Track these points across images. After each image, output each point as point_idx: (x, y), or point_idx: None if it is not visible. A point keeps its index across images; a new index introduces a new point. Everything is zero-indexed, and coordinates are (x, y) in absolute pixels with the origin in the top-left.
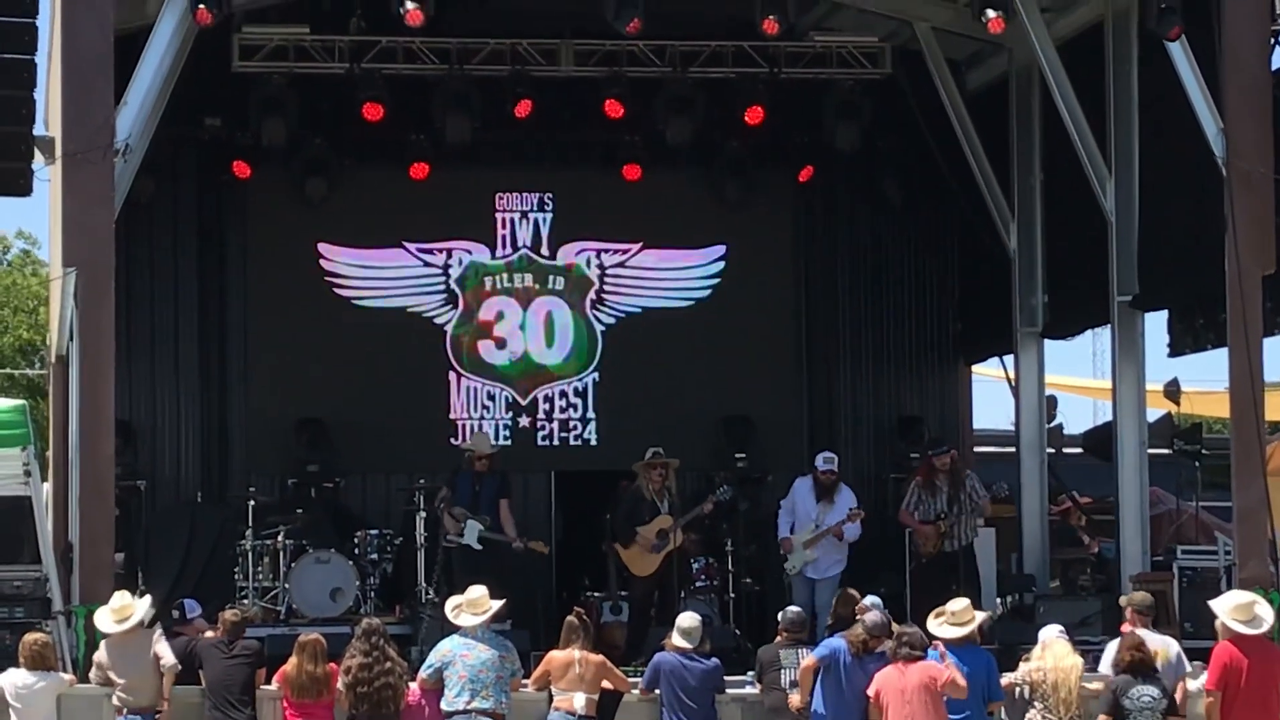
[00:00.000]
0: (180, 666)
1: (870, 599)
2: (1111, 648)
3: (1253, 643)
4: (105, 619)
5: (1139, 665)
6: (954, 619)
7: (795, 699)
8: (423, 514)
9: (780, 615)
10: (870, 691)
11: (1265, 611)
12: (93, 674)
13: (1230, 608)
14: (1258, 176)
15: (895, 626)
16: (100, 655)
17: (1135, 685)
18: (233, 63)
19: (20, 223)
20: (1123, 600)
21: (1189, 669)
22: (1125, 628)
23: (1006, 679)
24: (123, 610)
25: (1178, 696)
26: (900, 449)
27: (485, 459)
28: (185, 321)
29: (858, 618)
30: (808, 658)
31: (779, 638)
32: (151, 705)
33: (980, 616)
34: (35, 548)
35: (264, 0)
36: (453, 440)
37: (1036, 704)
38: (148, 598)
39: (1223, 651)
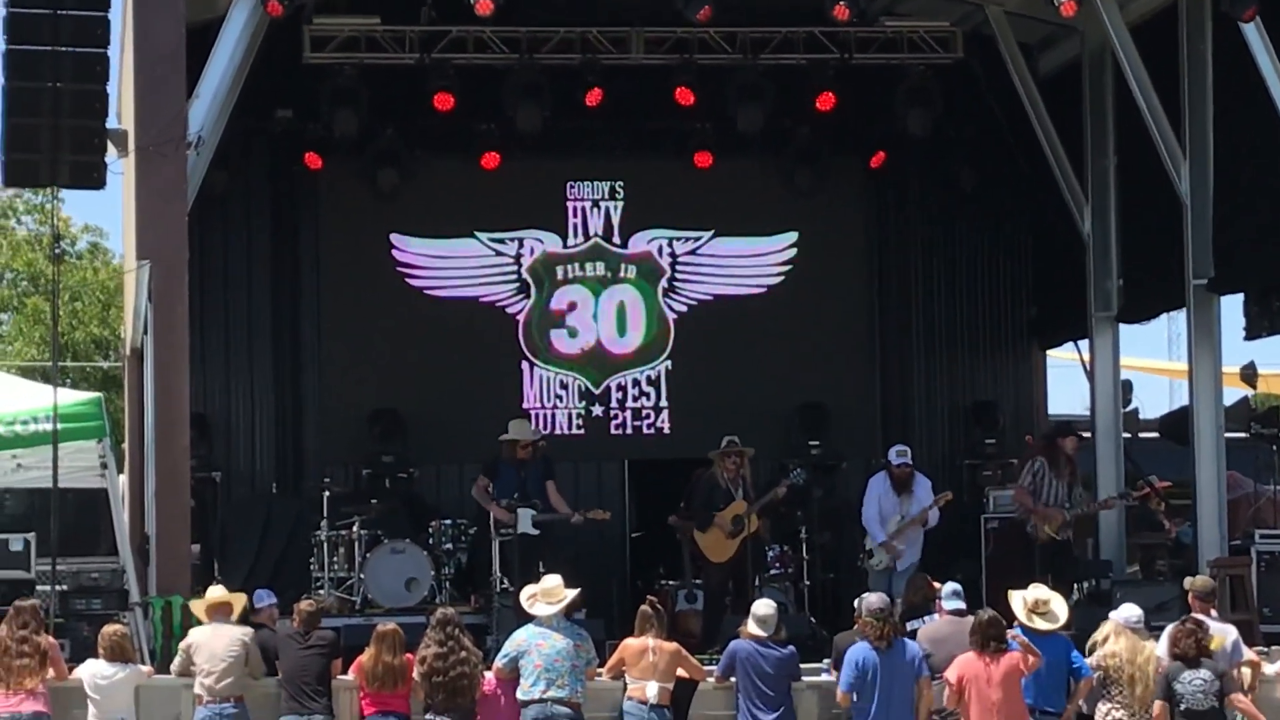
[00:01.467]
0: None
1: (950, 586)
2: (1166, 633)
3: None
4: (202, 610)
5: (1191, 650)
6: (1041, 609)
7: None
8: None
9: (857, 602)
10: (951, 677)
11: None
12: (177, 660)
13: None
14: None
15: (979, 614)
16: (190, 640)
17: (1186, 670)
18: (304, 54)
19: (86, 217)
20: (1186, 584)
21: (1246, 656)
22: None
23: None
24: (222, 600)
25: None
26: (975, 435)
27: (529, 446)
28: (259, 314)
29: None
30: (839, 694)
31: (856, 625)
32: (234, 694)
33: (1063, 614)
34: (112, 540)
35: None
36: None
37: (1112, 691)
38: (243, 595)
39: None
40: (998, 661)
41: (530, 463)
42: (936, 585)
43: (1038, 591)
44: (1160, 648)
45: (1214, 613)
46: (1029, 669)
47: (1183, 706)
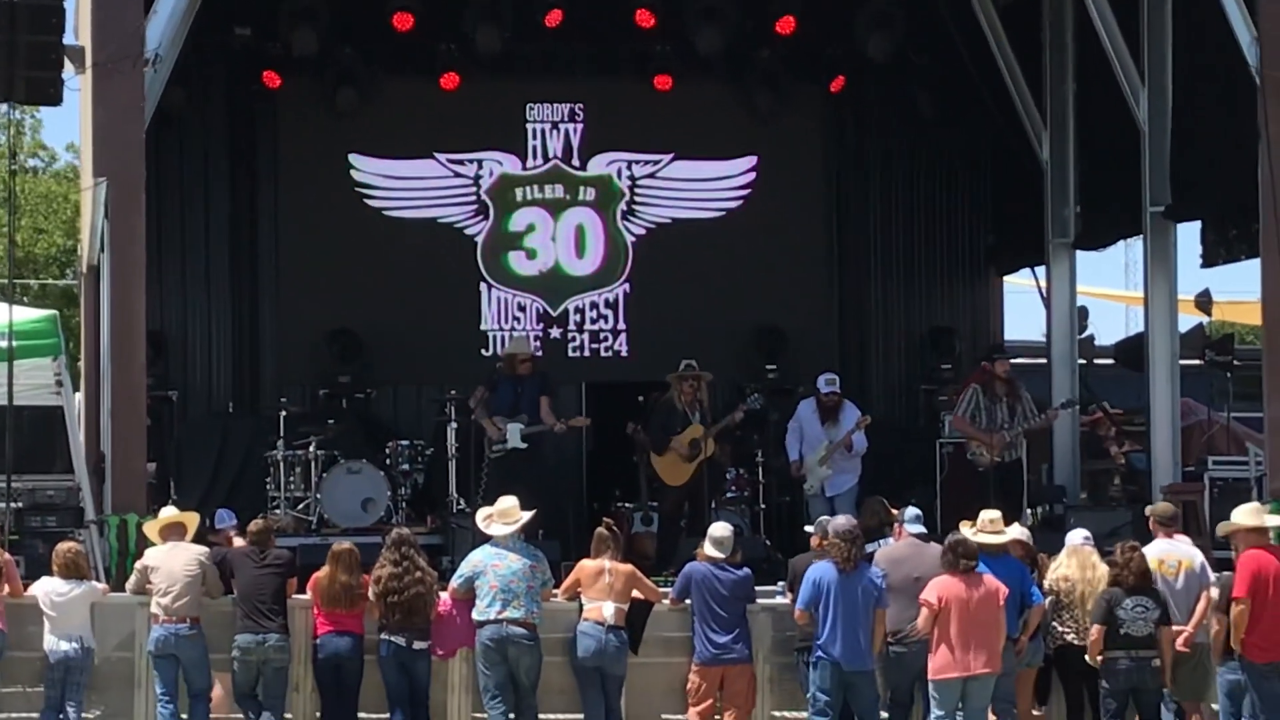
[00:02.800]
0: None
1: (911, 510)
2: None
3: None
4: (156, 530)
5: (1130, 577)
6: (990, 527)
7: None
8: (454, 425)
9: (816, 525)
10: (933, 598)
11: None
12: (132, 579)
13: (1242, 513)
14: None
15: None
16: (146, 561)
17: (1127, 596)
18: None
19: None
20: (1147, 510)
21: (1213, 579)
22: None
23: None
24: (176, 520)
25: (1200, 606)
26: (931, 360)
27: (528, 361)
28: (216, 232)
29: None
30: (796, 611)
31: (812, 547)
32: (191, 614)
33: (1016, 531)
34: (67, 458)
35: None
36: (484, 351)
37: (1064, 616)
38: (195, 514)
39: (1250, 560)
40: (978, 586)
41: (529, 378)
42: (895, 510)
43: (987, 514)
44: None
45: (1177, 537)
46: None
47: (1122, 631)
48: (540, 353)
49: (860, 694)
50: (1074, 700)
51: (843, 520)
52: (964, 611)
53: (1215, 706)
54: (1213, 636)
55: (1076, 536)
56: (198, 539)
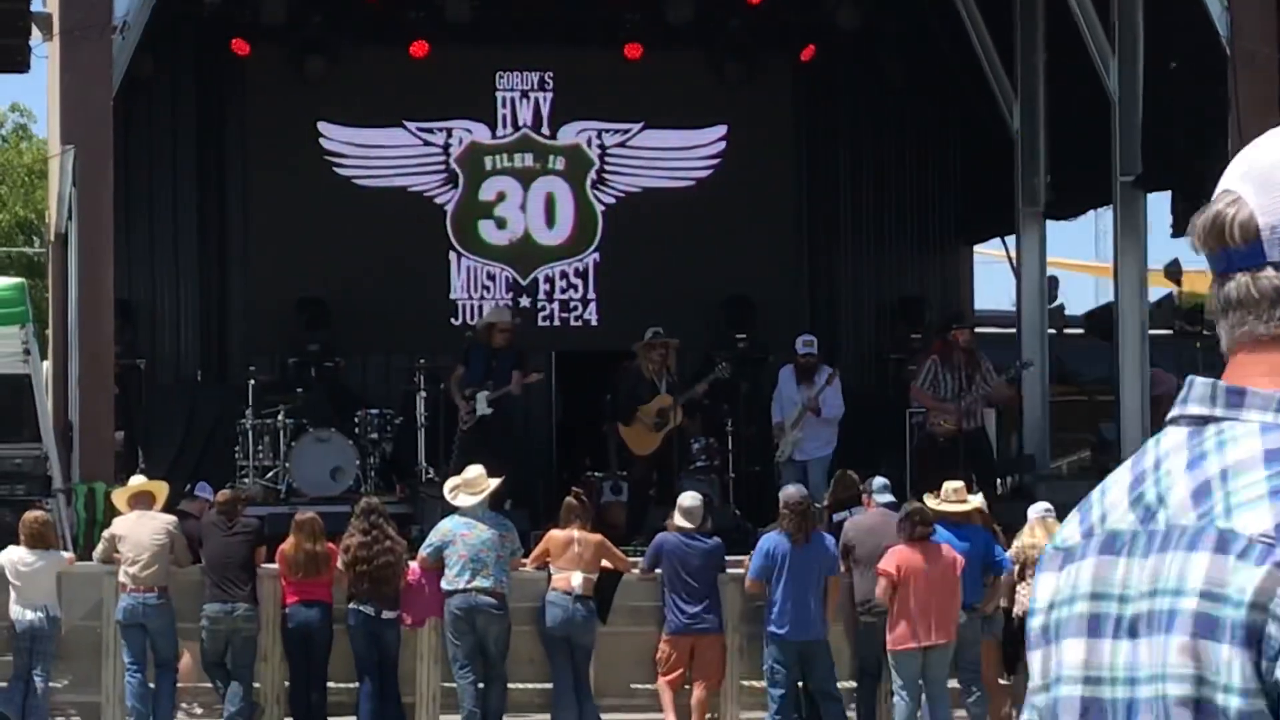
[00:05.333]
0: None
1: (879, 480)
2: None
3: None
4: (124, 499)
5: None
6: (954, 496)
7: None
8: (423, 394)
9: (781, 494)
10: (891, 568)
11: None
12: (100, 548)
13: None
14: (1261, 57)
15: (905, 506)
16: (114, 530)
17: None
18: None
19: (15, 96)
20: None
21: None
22: None
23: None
24: (144, 489)
25: None
26: (901, 329)
27: (507, 332)
28: (185, 200)
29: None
30: (748, 581)
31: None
32: (159, 584)
33: (976, 501)
34: (35, 426)
35: None
36: (453, 320)
37: (1029, 576)
38: (165, 484)
39: None
40: (935, 556)
41: (504, 351)
42: (856, 476)
43: (950, 484)
44: None
45: None
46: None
47: None
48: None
49: (813, 664)
50: None
51: (792, 490)
52: (921, 581)
53: None
54: None
55: (1039, 509)
56: (171, 508)
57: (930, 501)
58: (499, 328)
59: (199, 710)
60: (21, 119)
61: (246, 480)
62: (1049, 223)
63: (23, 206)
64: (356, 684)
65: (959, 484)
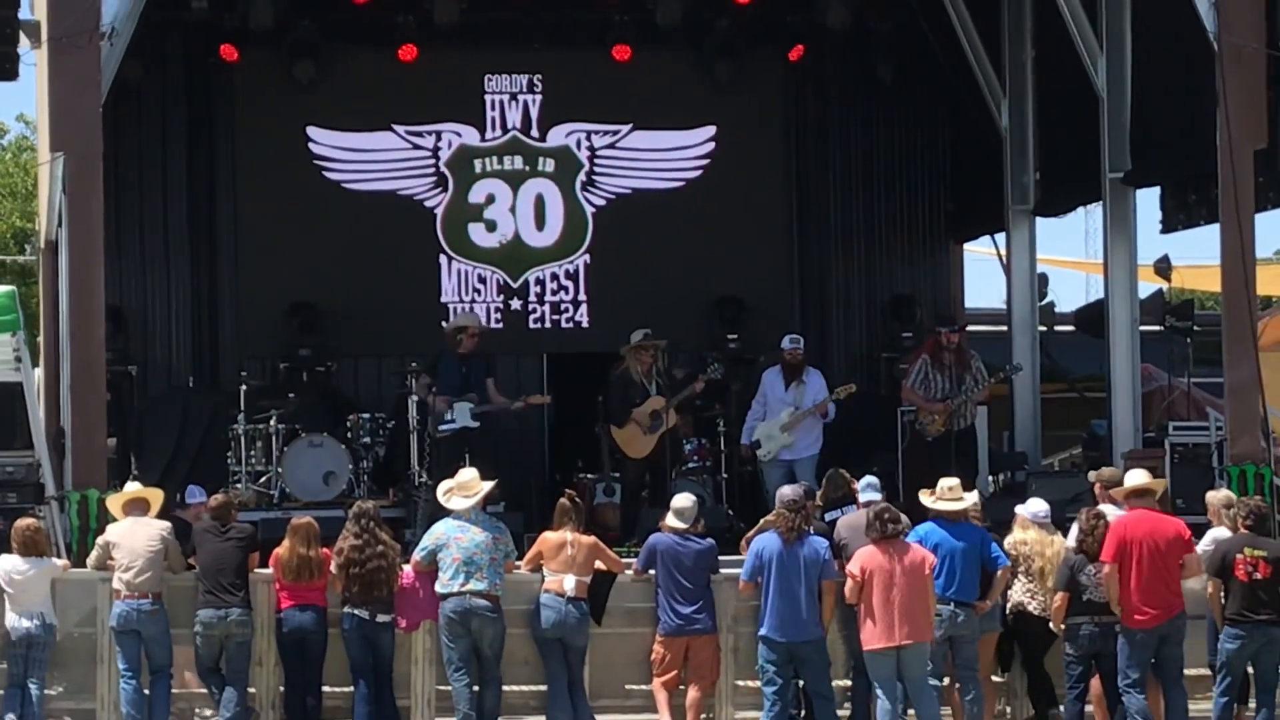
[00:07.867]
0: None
1: (867, 479)
2: (1076, 525)
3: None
4: (118, 505)
5: (1095, 546)
6: (949, 494)
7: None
8: (415, 397)
9: (777, 495)
10: (856, 569)
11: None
12: (94, 554)
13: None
14: (1249, 51)
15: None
16: (108, 536)
17: (1090, 562)
18: None
19: (21, 107)
20: (1091, 476)
21: None
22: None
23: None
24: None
25: None
26: (892, 328)
27: (476, 336)
28: (175, 206)
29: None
30: (740, 582)
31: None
32: (154, 590)
33: (971, 499)
34: (27, 433)
35: None
36: (444, 324)
37: (1022, 578)
38: (160, 490)
39: (1117, 526)
40: (903, 555)
41: (474, 359)
42: (848, 475)
43: (945, 481)
44: (1071, 539)
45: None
46: (932, 569)
47: (1085, 597)
48: (501, 324)
49: (807, 664)
50: (1034, 665)
51: (789, 490)
52: (889, 581)
53: None
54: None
55: (1032, 508)
56: (165, 515)
57: (925, 499)
58: (469, 332)
59: (194, 716)
60: (26, 130)
61: (239, 485)
62: (1039, 220)
63: (20, 218)
64: (351, 688)
65: (954, 481)
